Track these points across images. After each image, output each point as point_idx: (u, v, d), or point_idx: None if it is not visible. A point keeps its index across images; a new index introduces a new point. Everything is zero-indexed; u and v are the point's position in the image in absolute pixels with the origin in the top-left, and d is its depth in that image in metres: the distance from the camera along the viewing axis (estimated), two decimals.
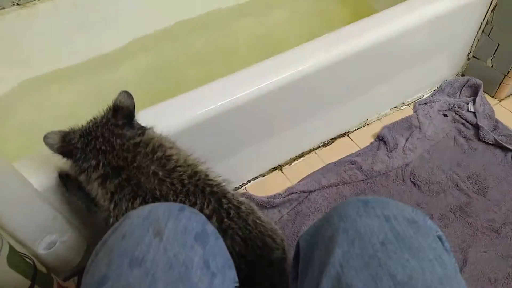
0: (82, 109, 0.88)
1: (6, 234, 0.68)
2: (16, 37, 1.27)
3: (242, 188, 1.14)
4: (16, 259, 0.67)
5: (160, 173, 0.68)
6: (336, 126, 1.25)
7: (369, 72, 1.15)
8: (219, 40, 1.52)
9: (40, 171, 0.76)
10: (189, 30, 1.53)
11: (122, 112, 0.72)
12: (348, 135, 1.27)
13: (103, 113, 0.73)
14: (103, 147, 0.68)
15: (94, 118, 0.73)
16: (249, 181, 1.15)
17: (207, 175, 0.71)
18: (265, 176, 1.17)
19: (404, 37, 1.10)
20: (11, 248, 0.67)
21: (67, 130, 0.71)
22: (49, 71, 1.37)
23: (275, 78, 0.96)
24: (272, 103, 1.02)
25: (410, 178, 1.12)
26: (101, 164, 0.68)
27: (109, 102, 0.73)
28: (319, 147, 1.23)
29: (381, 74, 1.19)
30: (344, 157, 1.19)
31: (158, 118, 0.83)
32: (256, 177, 1.16)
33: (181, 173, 0.69)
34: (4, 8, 1.23)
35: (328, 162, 1.18)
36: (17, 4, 1.24)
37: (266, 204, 1.06)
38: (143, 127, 0.75)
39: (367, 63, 1.11)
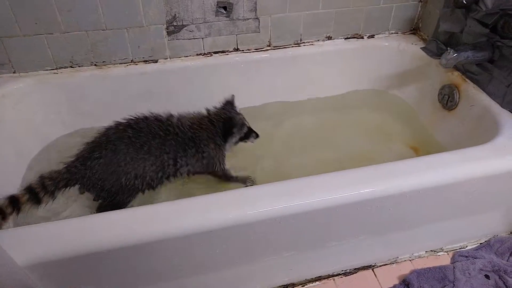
0: None
1: None
2: (86, 91, 1.37)
3: None
4: None
5: None
6: (362, 256, 1.17)
7: (413, 211, 1.08)
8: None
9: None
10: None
11: None
12: (373, 269, 1.18)
13: None
14: None
15: None
16: None
17: None
18: None
19: (460, 186, 1.03)
20: None
21: None
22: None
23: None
24: (307, 221, 0.98)
25: None
26: None
27: None
28: (339, 274, 1.15)
29: (426, 215, 1.11)
30: None
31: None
32: None
33: None
34: (82, 66, 1.35)
35: None
36: (95, 64, 1.36)
37: None
38: None
39: (415, 202, 1.04)
